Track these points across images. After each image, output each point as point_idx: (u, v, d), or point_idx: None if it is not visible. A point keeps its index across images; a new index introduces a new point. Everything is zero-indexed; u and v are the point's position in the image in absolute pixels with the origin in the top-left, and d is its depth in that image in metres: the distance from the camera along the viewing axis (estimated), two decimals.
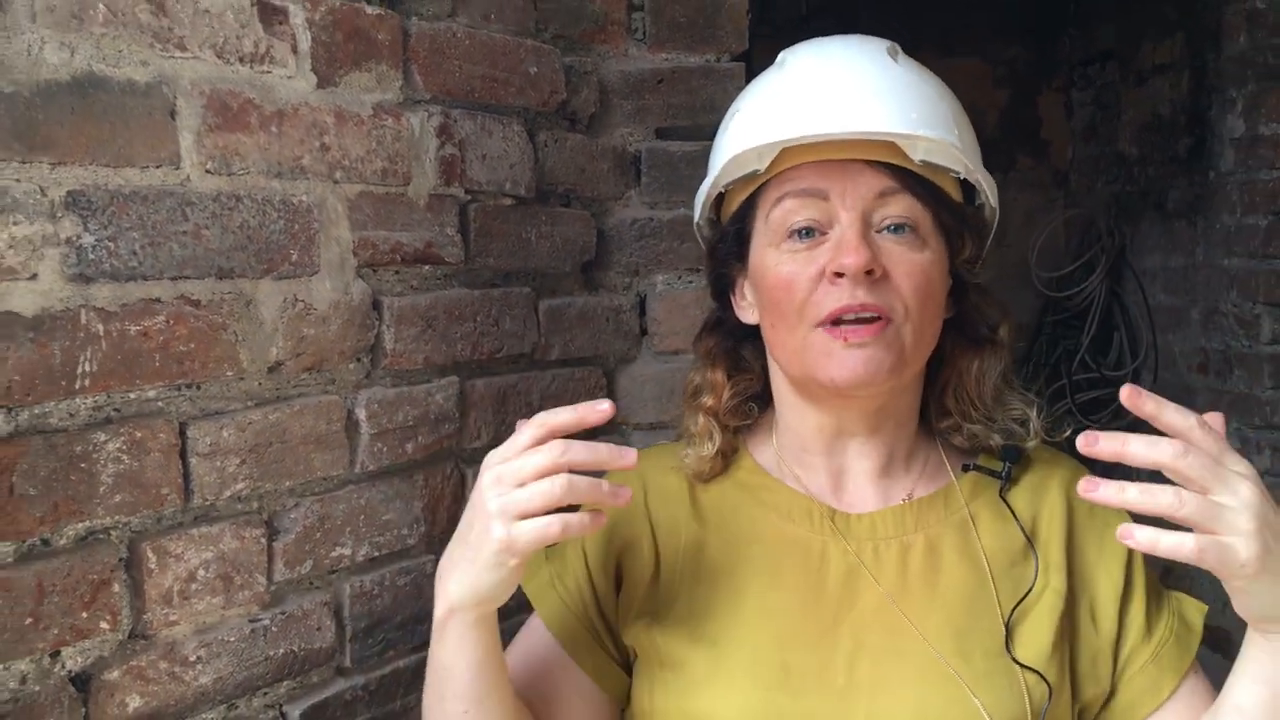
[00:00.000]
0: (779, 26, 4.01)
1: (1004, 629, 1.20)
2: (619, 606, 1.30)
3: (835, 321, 1.17)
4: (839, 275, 1.16)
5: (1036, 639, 1.22)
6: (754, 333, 1.32)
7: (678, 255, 1.80)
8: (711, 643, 1.23)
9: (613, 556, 1.30)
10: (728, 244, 1.30)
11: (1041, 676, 1.18)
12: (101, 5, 1.09)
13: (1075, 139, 4.04)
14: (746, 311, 1.31)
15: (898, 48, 1.27)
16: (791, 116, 1.19)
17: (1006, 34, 4.05)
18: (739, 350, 1.36)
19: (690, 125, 1.81)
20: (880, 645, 1.20)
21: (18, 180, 1.03)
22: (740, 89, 1.81)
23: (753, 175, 1.24)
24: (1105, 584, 1.27)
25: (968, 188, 1.27)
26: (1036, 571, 1.24)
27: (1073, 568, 1.26)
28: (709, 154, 1.81)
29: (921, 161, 1.19)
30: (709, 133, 1.82)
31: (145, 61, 1.13)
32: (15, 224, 1.03)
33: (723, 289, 1.35)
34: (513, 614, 1.45)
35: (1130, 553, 1.27)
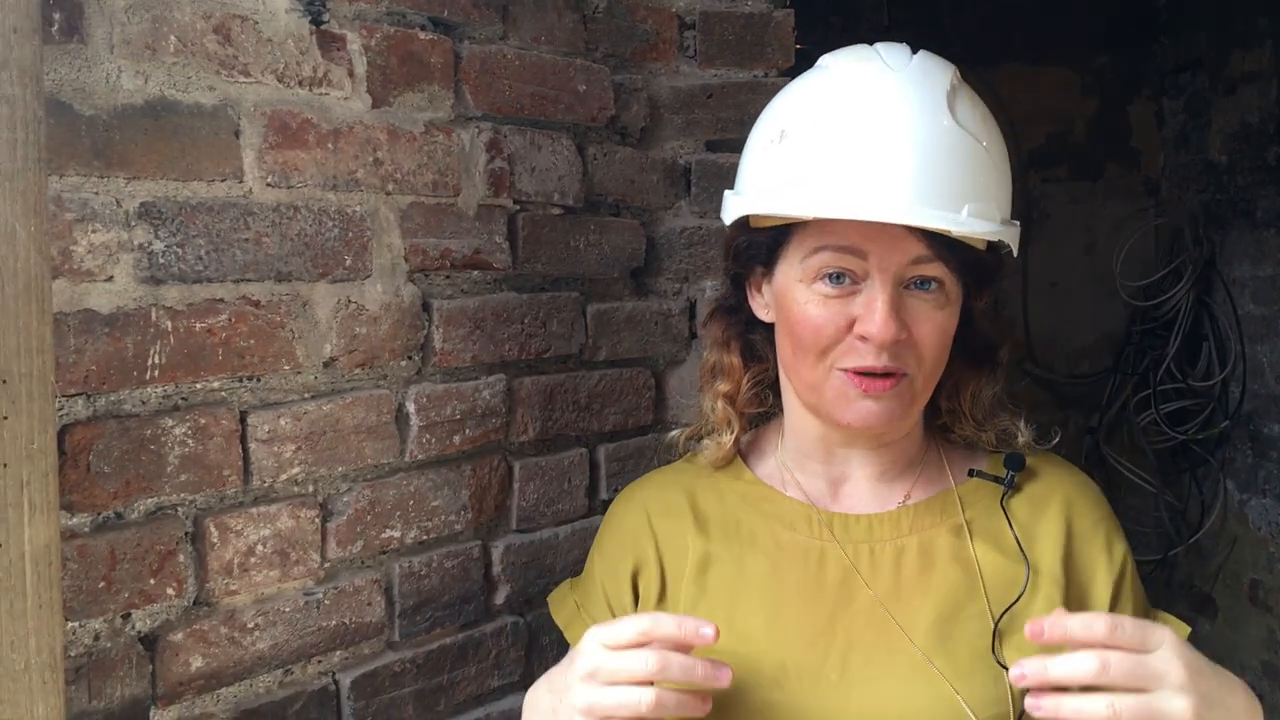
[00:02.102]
0: (863, 38, 4.06)
1: (992, 631, 1.24)
2: None
3: (858, 372, 1.23)
4: (865, 339, 1.21)
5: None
6: (766, 324, 1.37)
7: None
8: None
9: (627, 585, 1.38)
10: (757, 252, 1.32)
11: None
12: (173, 37, 1.22)
13: (1167, 147, 3.99)
14: (762, 310, 1.36)
15: (956, 81, 1.24)
16: (845, 191, 1.18)
17: (1096, 42, 4.02)
18: (750, 335, 1.41)
19: (739, 138, 1.87)
20: (871, 643, 1.25)
21: (96, 193, 1.17)
22: None
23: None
24: (1096, 603, 1.30)
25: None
26: (1028, 578, 1.27)
27: (1069, 582, 1.30)
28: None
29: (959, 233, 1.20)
30: None
31: (212, 86, 1.26)
32: (94, 232, 1.17)
33: (740, 281, 1.39)
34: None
35: (1121, 572, 1.32)
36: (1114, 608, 1.30)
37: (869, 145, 1.19)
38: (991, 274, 1.30)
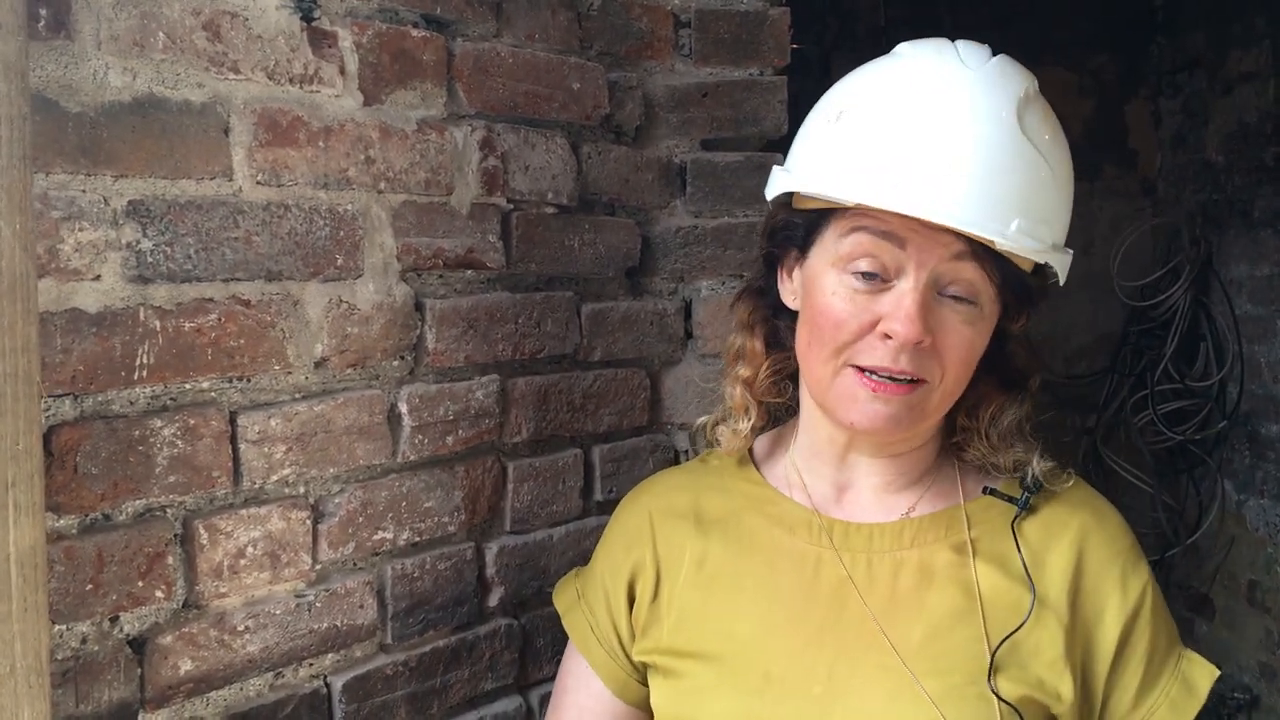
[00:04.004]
0: (860, 39, 4.05)
1: (988, 658, 1.19)
2: (631, 629, 1.38)
3: (869, 370, 1.18)
4: (889, 336, 1.17)
5: (1025, 675, 1.20)
6: (793, 312, 1.32)
7: (722, 262, 1.87)
8: (703, 653, 1.28)
9: (624, 588, 1.38)
10: (793, 233, 1.28)
11: (1016, 712, 1.17)
12: (161, 33, 1.21)
13: (1164, 148, 3.98)
14: (790, 296, 1.31)
15: (1032, 92, 1.20)
16: (894, 181, 1.14)
17: (1093, 43, 4.01)
18: (776, 321, 1.36)
19: (734, 137, 1.88)
20: (860, 658, 1.22)
21: (83, 191, 1.16)
22: (783, 102, 1.88)
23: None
24: (1102, 641, 1.24)
25: None
26: (1032, 605, 1.22)
27: (1074, 617, 1.24)
28: (752, 165, 1.88)
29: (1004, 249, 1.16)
30: (752, 144, 1.90)
31: (201, 84, 1.25)
32: (81, 230, 1.15)
33: (773, 263, 1.35)
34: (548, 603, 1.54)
35: (1135, 610, 1.25)
36: (1123, 648, 1.25)
37: (926, 138, 1.14)
38: (1031, 297, 1.25)
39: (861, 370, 1.19)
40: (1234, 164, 3.52)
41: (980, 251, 1.16)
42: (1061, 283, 1.26)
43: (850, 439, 1.30)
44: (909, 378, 1.18)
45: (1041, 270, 1.24)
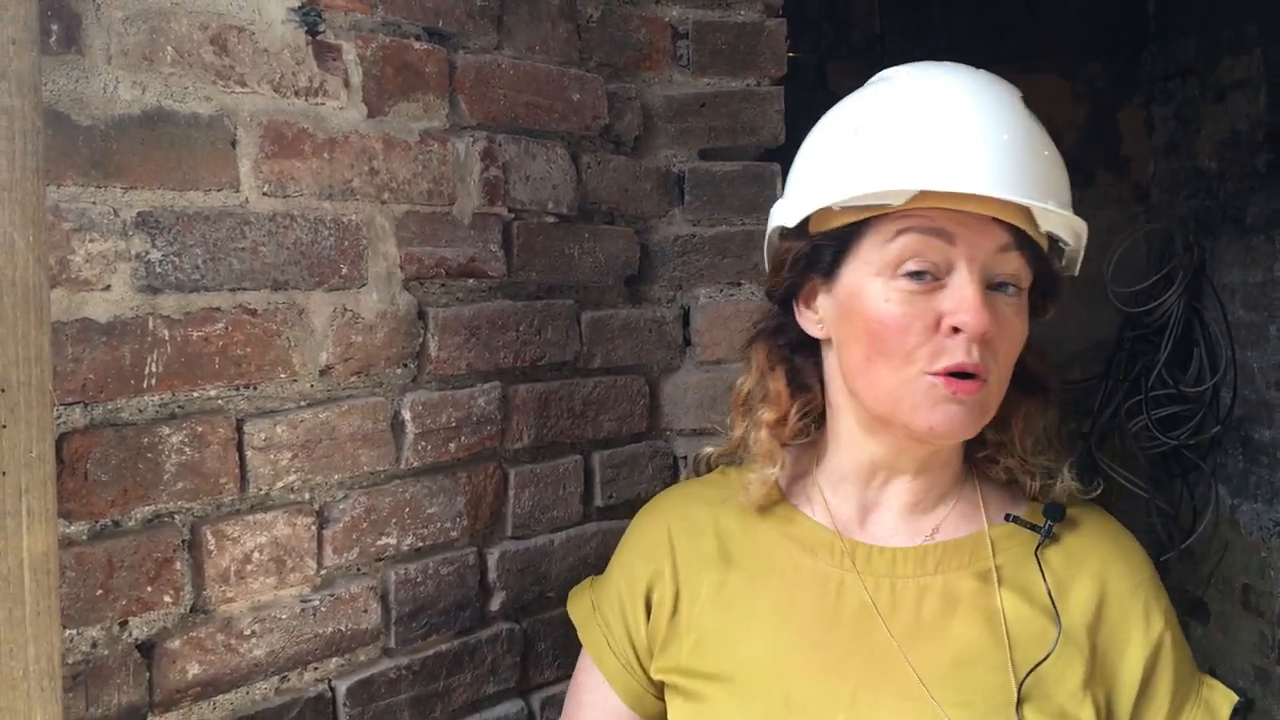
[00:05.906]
0: (855, 47, 4.08)
1: (1014, 687, 1.17)
2: (648, 642, 1.36)
3: (948, 372, 1.16)
4: (957, 330, 1.15)
5: (1049, 705, 1.18)
6: (811, 344, 1.31)
7: (719, 270, 1.89)
8: (721, 675, 1.26)
9: (641, 598, 1.35)
10: (820, 257, 1.25)
11: None
12: (170, 47, 1.23)
13: (1157, 154, 4.01)
14: (813, 325, 1.28)
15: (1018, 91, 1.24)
16: (950, 166, 1.14)
17: (1086, 50, 4.04)
18: (794, 360, 1.33)
19: (732, 146, 1.90)
20: (883, 685, 1.20)
21: (94, 203, 1.18)
22: (780, 112, 1.91)
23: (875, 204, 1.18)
24: (1126, 675, 1.23)
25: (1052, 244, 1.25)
26: (1058, 636, 1.20)
27: (1095, 649, 1.23)
28: (749, 174, 1.90)
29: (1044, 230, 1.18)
30: (750, 153, 1.92)
31: (209, 97, 1.27)
32: (91, 241, 1.17)
33: (788, 297, 1.31)
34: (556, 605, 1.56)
35: (1159, 643, 1.24)
36: (1149, 681, 1.24)
37: (959, 129, 1.15)
38: (1057, 287, 1.25)
39: (940, 376, 1.16)
40: (1226, 170, 3.55)
41: (1023, 242, 1.17)
42: (1076, 271, 1.28)
43: (893, 458, 1.26)
44: (978, 374, 1.16)
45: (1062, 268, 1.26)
